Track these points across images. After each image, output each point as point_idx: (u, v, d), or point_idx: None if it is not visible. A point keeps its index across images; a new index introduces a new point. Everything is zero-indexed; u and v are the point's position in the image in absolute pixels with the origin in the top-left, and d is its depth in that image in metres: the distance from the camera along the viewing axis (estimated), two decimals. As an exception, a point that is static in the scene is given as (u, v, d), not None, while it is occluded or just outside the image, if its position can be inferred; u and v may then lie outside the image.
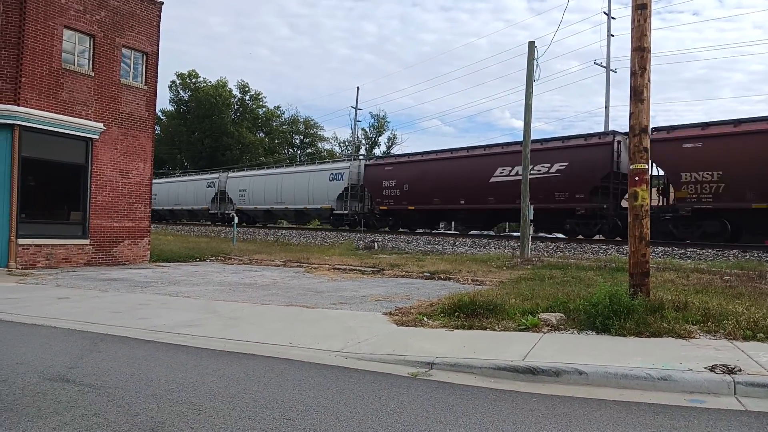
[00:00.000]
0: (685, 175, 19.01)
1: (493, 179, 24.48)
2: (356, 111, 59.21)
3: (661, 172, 20.30)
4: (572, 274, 12.89)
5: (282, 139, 76.29)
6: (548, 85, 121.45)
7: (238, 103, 72.61)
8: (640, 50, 7.97)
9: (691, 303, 7.91)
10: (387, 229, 29.84)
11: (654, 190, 19.28)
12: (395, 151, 67.17)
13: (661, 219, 19.78)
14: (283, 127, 76.89)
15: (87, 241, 16.96)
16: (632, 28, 8.07)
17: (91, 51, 17.05)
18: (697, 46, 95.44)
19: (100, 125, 17.17)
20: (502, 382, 5.48)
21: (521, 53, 38.23)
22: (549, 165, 22.66)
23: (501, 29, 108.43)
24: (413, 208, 27.87)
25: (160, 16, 19.22)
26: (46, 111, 15.70)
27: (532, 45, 19.18)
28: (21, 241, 15.21)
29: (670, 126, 20.41)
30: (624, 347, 6.33)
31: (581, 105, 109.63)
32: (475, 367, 5.76)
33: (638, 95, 7.96)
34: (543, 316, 7.69)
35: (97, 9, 17.07)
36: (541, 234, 24.34)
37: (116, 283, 12.68)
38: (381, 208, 29.72)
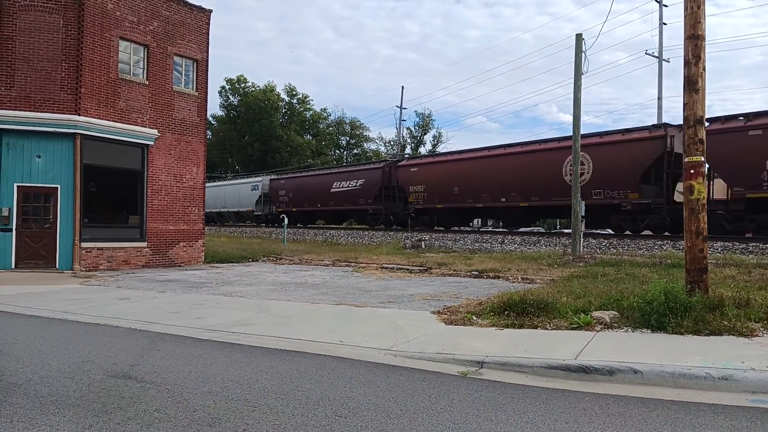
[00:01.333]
0: (412, 187, 30.58)
1: (332, 190, 36.02)
2: (401, 110, 59.20)
3: (401, 186, 31.63)
4: (626, 270, 12.55)
5: (329, 140, 77.10)
6: (596, 78, 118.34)
7: (286, 107, 73.79)
8: (694, 38, 7.70)
9: (754, 300, 7.60)
10: (288, 225, 39.93)
11: (399, 198, 32.25)
12: (440, 149, 66.92)
13: (403, 214, 31.83)
14: (330, 128, 77.70)
15: (144, 244, 17.62)
16: (685, 16, 7.80)
17: (145, 60, 17.71)
18: (755, 32, 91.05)
19: (155, 132, 17.80)
20: (554, 381, 5.41)
21: (568, 46, 37.95)
22: (356, 181, 34.42)
23: (546, 23, 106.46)
24: (295, 210, 39.07)
25: (209, 24, 19.76)
26: (105, 120, 16.39)
27: (579, 37, 18.76)
28: (84, 244, 15.94)
29: (408, 156, 34.53)
30: (681, 346, 6.14)
31: (632, 97, 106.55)
32: (527, 366, 5.70)
33: (692, 85, 7.69)
34: (596, 314, 7.53)
35: (150, 20, 17.71)
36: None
37: (173, 284, 13.12)
38: (278, 209, 40.24)
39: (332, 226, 38.31)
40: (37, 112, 15.50)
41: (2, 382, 5.16)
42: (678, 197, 20.82)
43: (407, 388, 5.14)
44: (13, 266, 15.26)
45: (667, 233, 21.61)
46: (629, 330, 7.06)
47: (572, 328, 7.21)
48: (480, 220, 37.36)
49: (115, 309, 9.51)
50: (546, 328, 7.31)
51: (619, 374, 5.35)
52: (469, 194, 27.14)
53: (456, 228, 30.91)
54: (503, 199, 25.64)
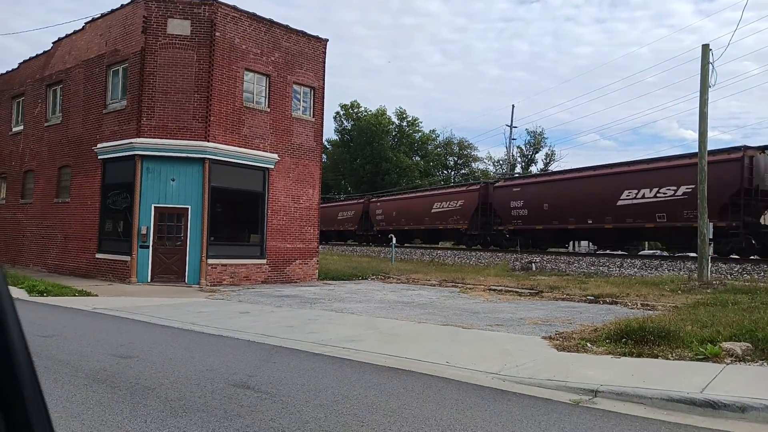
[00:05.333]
0: (509, 209, 29.24)
1: (432, 210, 35.73)
2: (511, 129, 58.25)
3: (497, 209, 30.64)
4: (762, 299, 11.43)
5: (437, 161, 77.44)
6: (722, 92, 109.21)
7: (396, 130, 75.18)
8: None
9: None
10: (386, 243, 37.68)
11: (495, 218, 31.09)
12: (553, 167, 64.89)
13: (499, 235, 31.12)
14: (438, 149, 78.07)
15: (264, 261, 18.63)
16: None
17: (267, 89, 18.91)
18: None
19: (275, 156, 18.88)
20: (676, 414, 5.05)
21: (689, 59, 35.19)
22: (455, 202, 33.77)
23: (664, 36, 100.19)
24: (392, 228, 39.17)
25: (325, 53, 20.74)
26: (231, 145, 17.65)
27: (706, 48, 17.57)
28: (210, 261, 17.16)
29: (506, 177, 34.31)
30: (829, 385, 5.51)
31: (763, 111, 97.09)
32: (645, 398, 5.37)
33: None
34: (725, 345, 6.94)
35: (271, 51, 18.92)
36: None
37: (288, 300, 13.76)
38: (377, 228, 42.04)
39: (435, 246, 38.24)
40: (173, 139, 17.04)
41: (139, 385, 5.68)
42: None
43: (516, 414, 5.03)
44: (149, 279, 16.75)
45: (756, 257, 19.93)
46: (765, 364, 6.44)
47: (697, 359, 6.70)
48: (584, 242, 35.85)
49: (236, 322, 10.13)
50: (667, 358, 6.85)
51: (752, 412, 4.89)
52: (566, 215, 25.99)
53: (565, 250, 29.98)
54: (593, 221, 24.66)
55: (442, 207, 34.54)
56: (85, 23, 20.02)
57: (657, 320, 8.28)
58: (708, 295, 12.95)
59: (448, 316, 11.07)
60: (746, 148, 20.90)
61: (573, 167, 28.94)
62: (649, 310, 11.74)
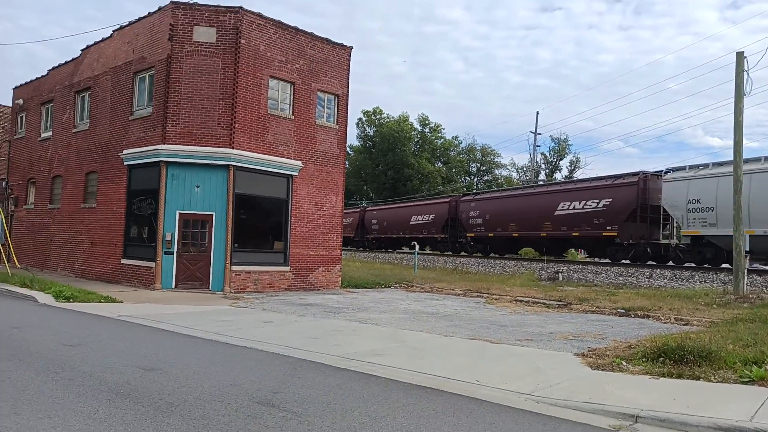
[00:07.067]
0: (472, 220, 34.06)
1: (410, 222, 41.24)
2: (535, 136, 57.51)
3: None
4: (804, 316, 10.96)
5: (459, 168, 76.99)
6: (750, 100, 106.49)
7: (418, 136, 74.99)
8: None
9: None
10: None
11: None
12: (578, 174, 64.11)
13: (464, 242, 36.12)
14: (461, 156, 77.62)
15: (287, 268, 18.54)
16: None
17: (291, 96, 18.86)
18: None
19: (299, 163, 18.81)
20: (725, 445, 4.76)
21: (716, 67, 34.65)
22: (427, 215, 39.15)
23: (689, 44, 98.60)
24: (384, 237, 45.13)
25: (349, 61, 20.65)
26: (255, 152, 17.62)
27: (740, 56, 17.08)
28: (234, 268, 17.12)
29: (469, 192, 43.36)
30: None
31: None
32: (691, 425, 5.08)
33: None
34: (772, 368, 6.59)
35: (296, 59, 18.89)
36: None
37: (312, 308, 13.61)
38: (369, 236, 47.19)
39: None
40: (198, 145, 17.06)
41: (162, 401, 5.56)
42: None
43: (552, 439, 4.79)
44: (173, 286, 16.76)
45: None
46: (816, 390, 6.08)
47: (742, 383, 6.37)
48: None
49: (260, 332, 10.01)
50: (710, 380, 6.53)
51: (808, 445, 4.58)
52: (514, 225, 31.35)
53: (596, 260, 29.48)
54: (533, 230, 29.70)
55: (419, 219, 39.98)
56: (113, 31, 20.23)
57: (696, 338, 7.94)
58: (745, 310, 12.48)
59: (475, 329, 10.81)
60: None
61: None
62: (684, 325, 11.34)
